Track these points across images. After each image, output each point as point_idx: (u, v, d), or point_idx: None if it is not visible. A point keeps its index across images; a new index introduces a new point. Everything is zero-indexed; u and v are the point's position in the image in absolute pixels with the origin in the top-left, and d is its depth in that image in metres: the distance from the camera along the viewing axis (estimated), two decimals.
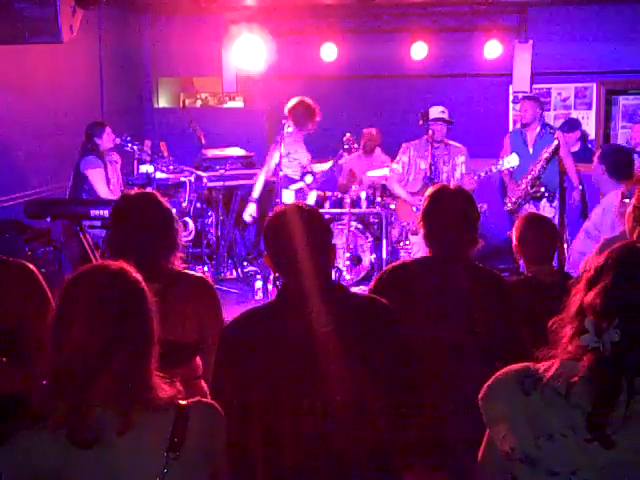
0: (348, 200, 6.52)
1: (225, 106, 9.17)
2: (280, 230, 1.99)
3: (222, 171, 7.08)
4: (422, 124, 5.99)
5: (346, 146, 5.91)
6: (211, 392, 2.06)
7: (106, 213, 4.78)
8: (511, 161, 5.82)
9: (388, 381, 1.94)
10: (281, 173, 5.98)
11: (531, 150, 6.39)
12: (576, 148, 7.25)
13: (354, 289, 5.42)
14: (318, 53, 8.01)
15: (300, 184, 6.09)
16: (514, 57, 7.83)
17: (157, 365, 1.61)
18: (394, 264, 2.77)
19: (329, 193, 6.77)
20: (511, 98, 8.24)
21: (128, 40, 8.37)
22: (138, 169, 7.00)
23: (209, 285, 2.58)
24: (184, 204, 6.59)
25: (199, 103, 9.39)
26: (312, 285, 1.93)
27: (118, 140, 6.02)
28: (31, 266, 2.53)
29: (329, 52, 8.01)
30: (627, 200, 3.25)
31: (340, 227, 6.58)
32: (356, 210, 6.64)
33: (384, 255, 6.48)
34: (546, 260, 3.12)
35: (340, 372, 1.86)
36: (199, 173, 6.77)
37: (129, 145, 6.14)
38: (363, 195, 6.67)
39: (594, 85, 8.22)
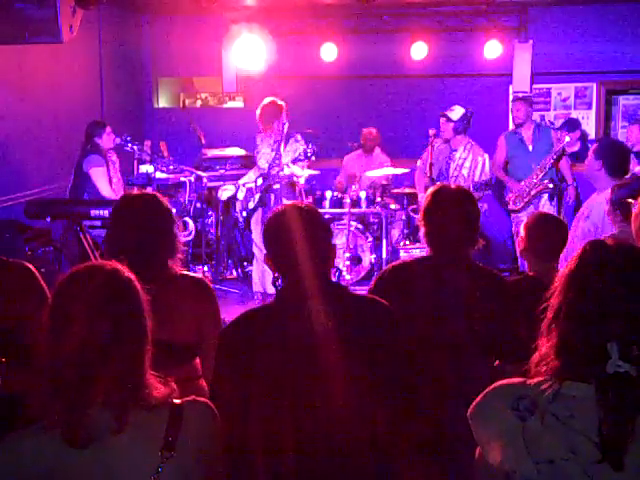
0: (348, 200, 6.53)
1: (225, 106, 9.17)
2: (280, 230, 1.99)
3: (222, 171, 7.09)
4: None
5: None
6: (211, 393, 2.06)
7: (106, 213, 4.78)
8: None
9: (388, 381, 1.94)
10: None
11: (531, 148, 6.41)
12: (576, 148, 7.25)
13: (354, 289, 5.42)
14: (318, 53, 8.01)
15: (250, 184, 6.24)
16: (514, 57, 7.83)
17: (151, 364, 1.60)
18: (394, 264, 2.77)
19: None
20: (511, 98, 8.23)
21: (128, 40, 8.37)
22: (138, 169, 7.00)
23: (207, 285, 2.58)
24: (184, 204, 6.60)
25: (199, 103, 9.39)
26: (312, 285, 1.93)
27: (118, 140, 6.02)
28: (31, 266, 2.53)
29: (329, 52, 8.00)
30: (631, 200, 3.25)
31: (340, 227, 6.58)
32: (356, 210, 6.65)
33: (384, 255, 6.49)
34: (551, 260, 3.12)
35: (340, 372, 1.86)
36: (199, 173, 6.77)
37: (129, 145, 6.13)
38: (363, 195, 6.67)
39: (594, 85, 8.22)
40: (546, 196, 6.20)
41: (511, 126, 7.60)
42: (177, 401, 1.61)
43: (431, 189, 2.74)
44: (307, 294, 1.92)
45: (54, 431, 1.49)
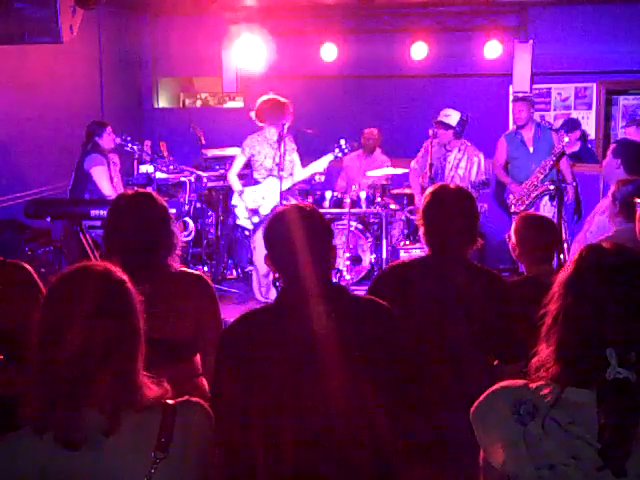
0: (348, 200, 6.52)
1: (225, 106, 9.18)
2: (280, 230, 1.99)
3: (222, 171, 7.08)
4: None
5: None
6: (211, 394, 2.06)
7: (106, 213, 4.77)
8: None
9: (388, 382, 1.94)
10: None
11: (531, 149, 6.40)
12: (576, 148, 7.25)
13: (354, 289, 5.42)
14: (318, 53, 8.01)
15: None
16: (514, 57, 7.82)
17: (152, 362, 1.60)
18: (393, 264, 2.77)
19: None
20: (511, 98, 8.23)
21: (128, 40, 8.37)
22: (138, 169, 7.01)
23: (207, 282, 2.57)
24: (184, 204, 6.60)
25: (199, 103, 9.40)
26: (312, 286, 1.92)
27: (118, 140, 6.02)
28: (28, 267, 2.53)
29: (329, 52, 8.00)
30: (638, 200, 3.24)
31: (340, 227, 6.58)
32: (356, 210, 6.64)
33: (384, 255, 6.48)
34: (546, 261, 3.11)
35: (340, 373, 1.86)
36: (199, 173, 6.77)
37: (129, 145, 6.13)
38: (363, 195, 6.67)
39: (594, 85, 8.22)
40: (547, 197, 6.20)
41: (511, 126, 7.61)
42: (170, 402, 1.60)
43: (430, 189, 2.74)
44: (307, 295, 1.92)
45: (47, 433, 1.49)
